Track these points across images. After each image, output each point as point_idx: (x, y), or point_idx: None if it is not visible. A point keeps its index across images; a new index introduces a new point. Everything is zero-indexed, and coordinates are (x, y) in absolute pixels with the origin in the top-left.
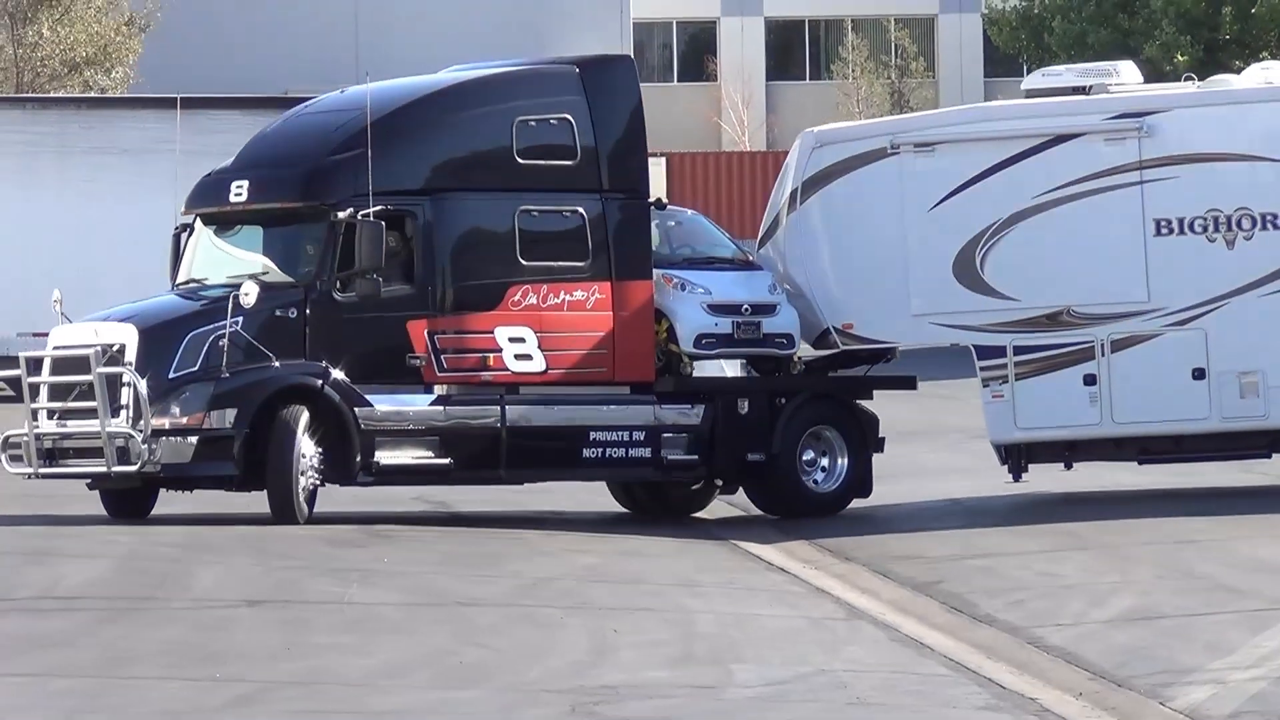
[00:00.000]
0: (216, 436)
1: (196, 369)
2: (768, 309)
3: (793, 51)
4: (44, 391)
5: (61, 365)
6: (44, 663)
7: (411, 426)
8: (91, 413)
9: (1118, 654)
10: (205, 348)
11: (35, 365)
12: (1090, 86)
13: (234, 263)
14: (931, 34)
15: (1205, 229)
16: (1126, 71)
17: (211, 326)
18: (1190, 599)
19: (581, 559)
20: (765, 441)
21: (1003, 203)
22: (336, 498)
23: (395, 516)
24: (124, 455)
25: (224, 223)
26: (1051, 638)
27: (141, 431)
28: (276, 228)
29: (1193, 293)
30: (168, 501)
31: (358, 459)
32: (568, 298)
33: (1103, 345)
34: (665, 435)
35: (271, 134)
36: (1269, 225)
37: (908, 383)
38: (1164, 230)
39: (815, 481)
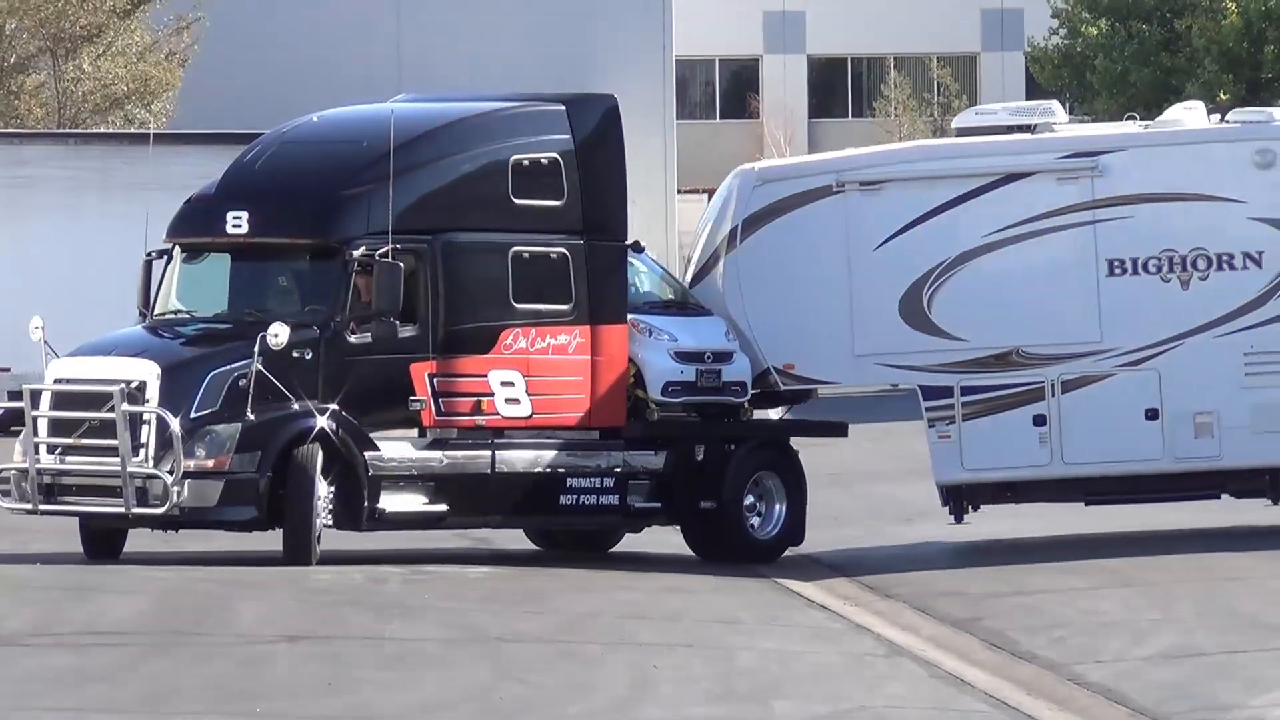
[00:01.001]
0: (241, 479)
1: (217, 409)
2: (726, 356)
3: (835, 89)
4: (43, 426)
5: (70, 400)
6: (87, 698)
7: (415, 472)
8: (105, 450)
9: (1158, 691)
10: (225, 387)
11: (33, 398)
12: (1035, 125)
13: (226, 297)
14: (974, 71)
15: (1159, 269)
16: (1059, 110)
17: (232, 366)
18: (1231, 636)
19: (622, 595)
20: (717, 488)
21: (951, 242)
22: (364, 534)
23: (432, 554)
24: (142, 496)
25: (214, 255)
26: (1092, 674)
27: (172, 473)
28: (278, 263)
29: (1146, 333)
30: (162, 541)
31: (365, 505)
32: (552, 341)
33: (1053, 385)
34: (631, 482)
35: (265, 164)
36: (1224, 266)
37: (839, 429)
38: (1117, 270)
39: (753, 527)
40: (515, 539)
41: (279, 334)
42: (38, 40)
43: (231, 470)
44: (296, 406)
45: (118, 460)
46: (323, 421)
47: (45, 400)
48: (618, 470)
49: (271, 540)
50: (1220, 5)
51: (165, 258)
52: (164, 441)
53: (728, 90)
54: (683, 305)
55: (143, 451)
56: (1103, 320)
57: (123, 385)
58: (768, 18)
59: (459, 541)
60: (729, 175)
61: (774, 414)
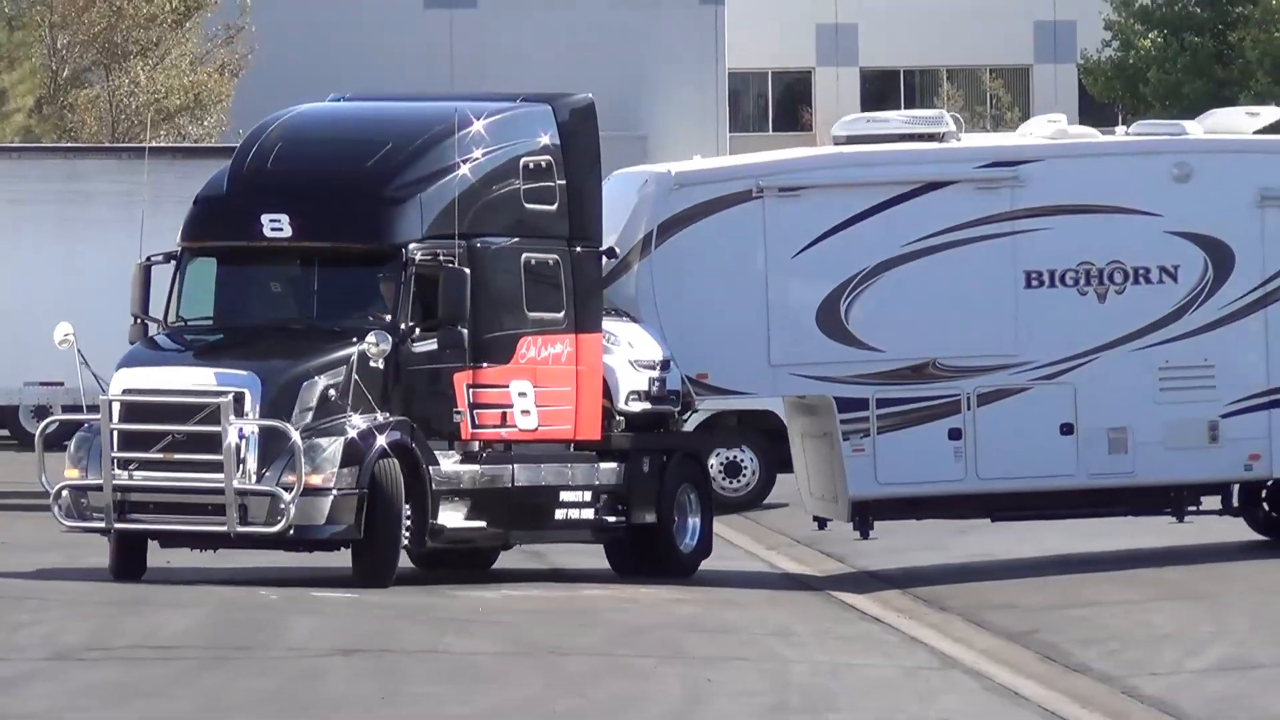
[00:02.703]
0: (347, 496)
1: (310, 422)
2: (666, 364)
3: (888, 101)
4: (115, 439)
5: (153, 412)
6: (143, 711)
7: (464, 486)
8: (198, 465)
9: (1212, 703)
10: (317, 399)
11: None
12: (944, 134)
13: (258, 303)
14: (1027, 83)
15: (1077, 282)
16: (950, 120)
17: (324, 376)
18: None
19: (677, 609)
20: (657, 501)
21: (870, 250)
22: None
23: (486, 572)
24: (243, 513)
25: (246, 259)
26: (1146, 687)
27: (290, 489)
28: (326, 268)
29: (1062, 346)
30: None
31: (428, 521)
32: (551, 351)
33: (969, 399)
34: (602, 496)
35: (284, 162)
36: (1141, 279)
37: (705, 440)
38: (1034, 282)
39: (679, 541)
40: (568, 551)
41: (380, 343)
42: (90, 54)
43: (338, 487)
44: (380, 418)
45: (212, 476)
46: (401, 434)
47: (116, 412)
48: (596, 484)
49: (317, 559)
50: (1273, 17)
51: (174, 262)
52: (266, 456)
53: (780, 102)
54: (620, 312)
55: (243, 468)
56: (1019, 333)
57: (229, 398)
58: (820, 30)
59: (509, 556)
60: (640, 176)
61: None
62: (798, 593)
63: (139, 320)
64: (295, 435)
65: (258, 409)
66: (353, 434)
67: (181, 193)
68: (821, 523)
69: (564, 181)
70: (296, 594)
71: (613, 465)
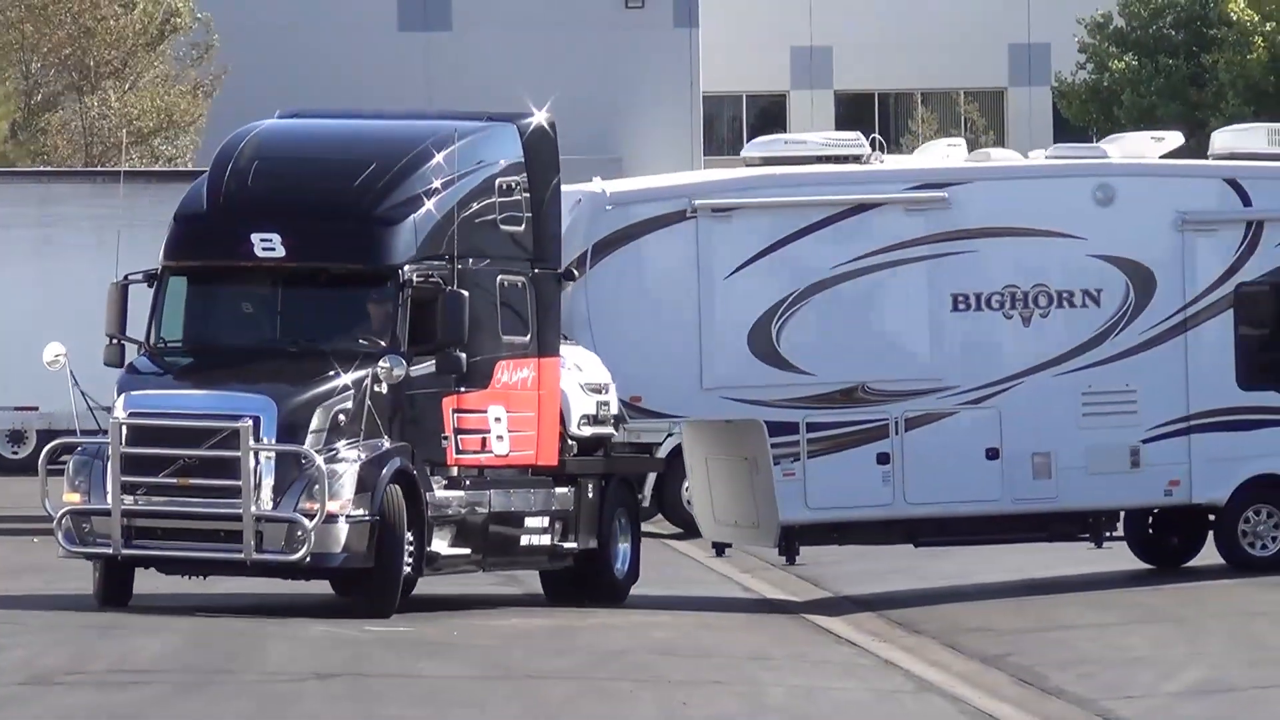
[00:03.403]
0: (362, 524)
1: (322, 447)
2: (608, 388)
3: (862, 124)
4: (117, 463)
5: (165, 435)
6: None
7: (451, 513)
8: (211, 491)
9: None
10: (329, 424)
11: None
12: (861, 156)
13: (246, 324)
14: (1001, 106)
15: (1002, 305)
16: (866, 143)
17: (334, 400)
18: (1261, 671)
19: (652, 633)
20: (598, 526)
21: (801, 273)
22: None
23: (464, 598)
24: (258, 541)
25: (235, 279)
26: (1121, 710)
27: (313, 517)
28: (318, 289)
29: (988, 370)
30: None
31: (424, 549)
32: (520, 375)
33: (897, 423)
34: (557, 522)
35: (266, 180)
36: (1065, 303)
37: (657, 464)
38: (961, 305)
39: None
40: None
41: (395, 368)
42: (64, 77)
43: (352, 514)
44: (387, 444)
45: (227, 502)
46: (403, 461)
47: (121, 435)
48: (553, 510)
49: (293, 586)
50: (1247, 40)
51: (154, 282)
52: (282, 481)
53: (755, 125)
54: (563, 335)
55: (259, 494)
56: (946, 357)
57: (248, 420)
58: (795, 53)
59: (486, 580)
60: (574, 195)
61: None
62: (773, 616)
63: (115, 340)
64: (319, 461)
65: (273, 433)
66: (365, 460)
67: (156, 216)
68: (720, 549)
69: (529, 202)
70: (273, 619)
71: (566, 491)
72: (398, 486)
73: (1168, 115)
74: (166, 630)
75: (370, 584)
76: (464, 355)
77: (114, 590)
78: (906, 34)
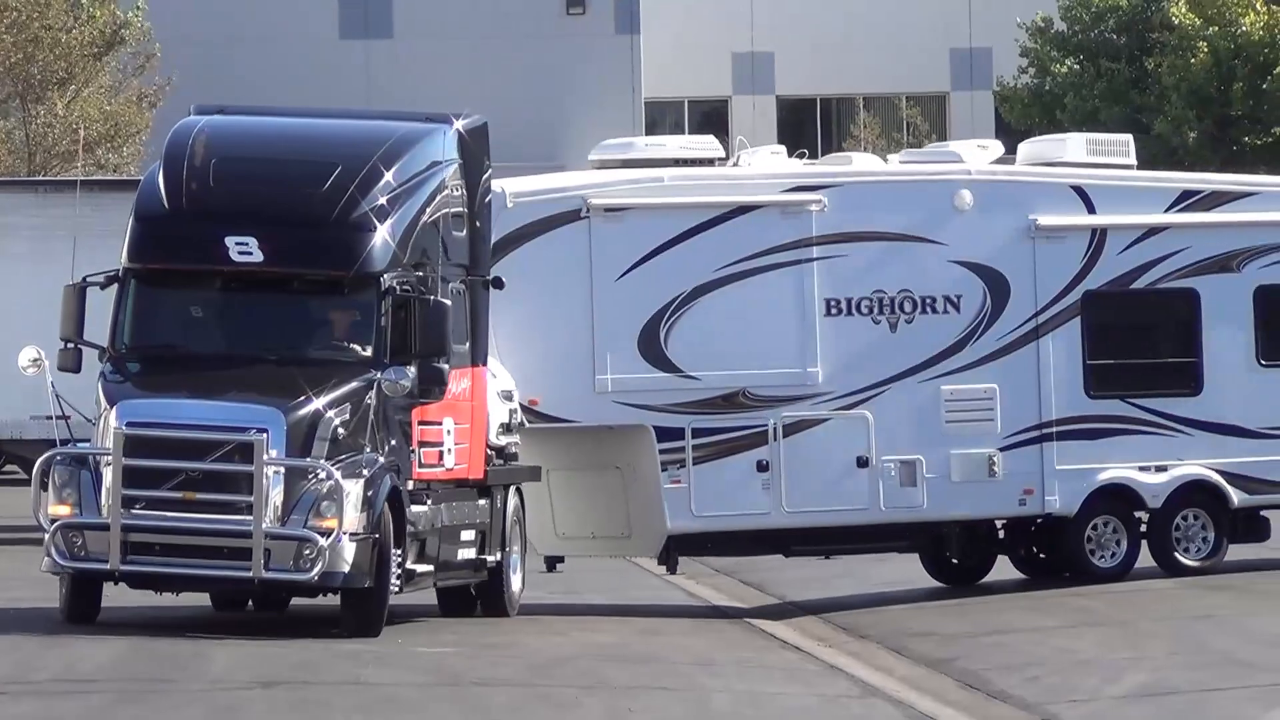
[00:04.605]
0: (368, 541)
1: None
2: (514, 394)
3: (805, 129)
4: (118, 475)
5: (171, 447)
6: None
7: (421, 529)
8: (218, 506)
9: None
10: (330, 437)
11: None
12: (716, 159)
13: (218, 330)
14: (943, 111)
15: (871, 310)
16: (719, 146)
17: (337, 413)
18: (1204, 674)
19: (597, 638)
20: (501, 539)
21: (687, 275)
22: None
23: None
24: (268, 558)
25: (207, 284)
26: (1066, 714)
27: (325, 534)
28: (294, 295)
29: (858, 376)
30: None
31: (405, 566)
32: (462, 386)
33: (775, 429)
34: (480, 535)
35: (231, 182)
36: (928, 309)
37: (534, 474)
38: (834, 310)
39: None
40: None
41: (400, 380)
42: (6, 86)
43: (356, 531)
44: (381, 459)
45: (234, 518)
46: (394, 476)
47: (119, 445)
48: (478, 522)
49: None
50: (1191, 43)
51: (117, 285)
52: (290, 497)
53: (697, 131)
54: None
55: (268, 510)
56: (821, 362)
57: (262, 433)
58: (737, 59)
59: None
60: None
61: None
62: (718, 621)
63: (70, 345)
64: (337, 476)
65: (281, 446)
66: (367, 476)
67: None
68: (551, 564)
69: (469, 207)
70: (217, 625)
71: (484, 503)
72: (387, 503)
73: (1110, 118)
74: (112, 638)
75: (363, 602)
76: (447, 366)
77: (82, 607)
78: (848, 39)
